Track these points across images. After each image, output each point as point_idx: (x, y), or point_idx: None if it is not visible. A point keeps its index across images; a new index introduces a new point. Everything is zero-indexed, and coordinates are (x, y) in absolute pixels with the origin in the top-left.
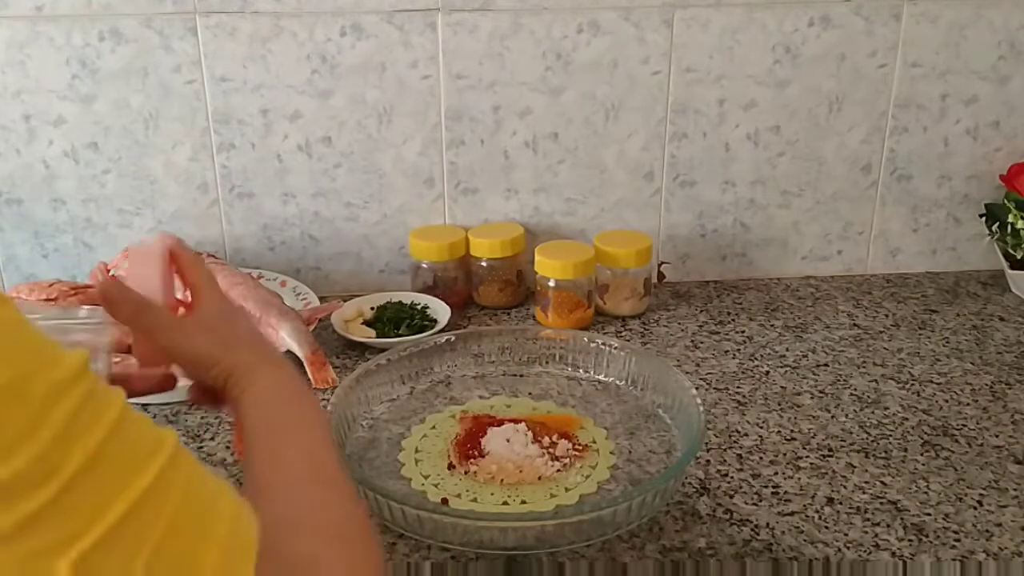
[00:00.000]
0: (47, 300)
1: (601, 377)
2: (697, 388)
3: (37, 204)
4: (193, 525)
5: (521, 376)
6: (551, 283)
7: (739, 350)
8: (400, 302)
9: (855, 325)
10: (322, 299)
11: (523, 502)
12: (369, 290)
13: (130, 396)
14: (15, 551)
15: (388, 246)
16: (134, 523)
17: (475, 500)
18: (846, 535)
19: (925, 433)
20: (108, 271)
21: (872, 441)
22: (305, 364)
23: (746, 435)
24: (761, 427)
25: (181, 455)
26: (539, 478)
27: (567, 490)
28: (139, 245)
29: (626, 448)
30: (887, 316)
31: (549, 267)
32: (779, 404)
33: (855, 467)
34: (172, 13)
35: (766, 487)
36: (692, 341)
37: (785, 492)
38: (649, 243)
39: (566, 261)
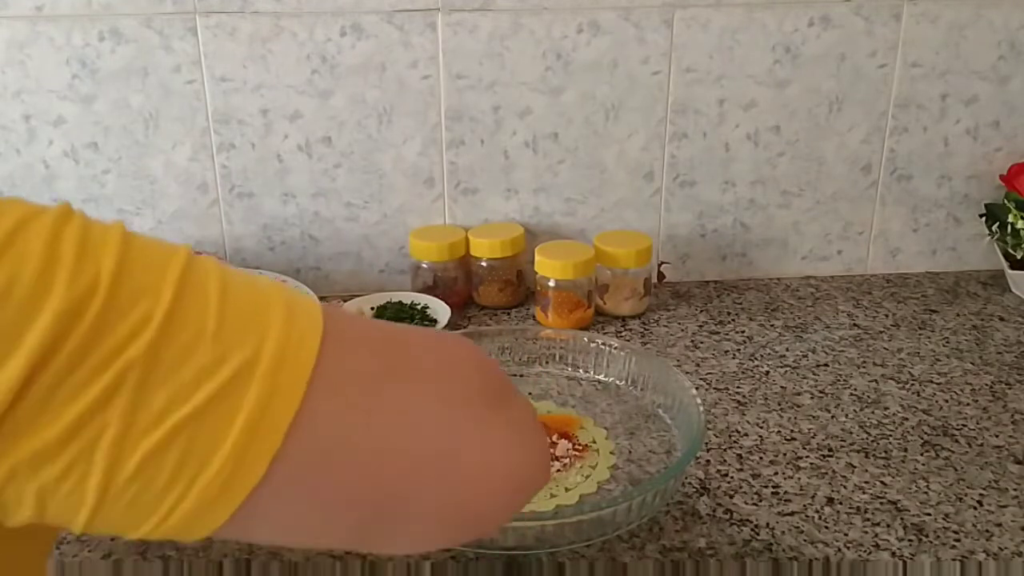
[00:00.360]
0: None
1: (601, 377)
2: (697, 388)
3: None
4: (247, 288)
5: (521, 376)
6: (551, 283)
7: (739, 350)
8: (400, 302)
9: (855, 325)
10: (322, 299)
11: None
12: (369, 290)
13: None
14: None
15: (388, 246)
16: (187, 300)
17: None
18: (846, 535)
19: (925, 433)
20: None
21: (872, 441)
22: None
23: (746, 435)
24: (761, 427)
25: (198, 256)
26: None
27: (567, 490)
28: None
29: (626, 448)
30: (887, 316)
31: (549, 267)
32: (779, 404)
33: (855, 467)
34: (172, 13)
35: (766, 487)
36: (692, 341)
37: (785, 492)
38: (649, 243)
39: (566, 261)
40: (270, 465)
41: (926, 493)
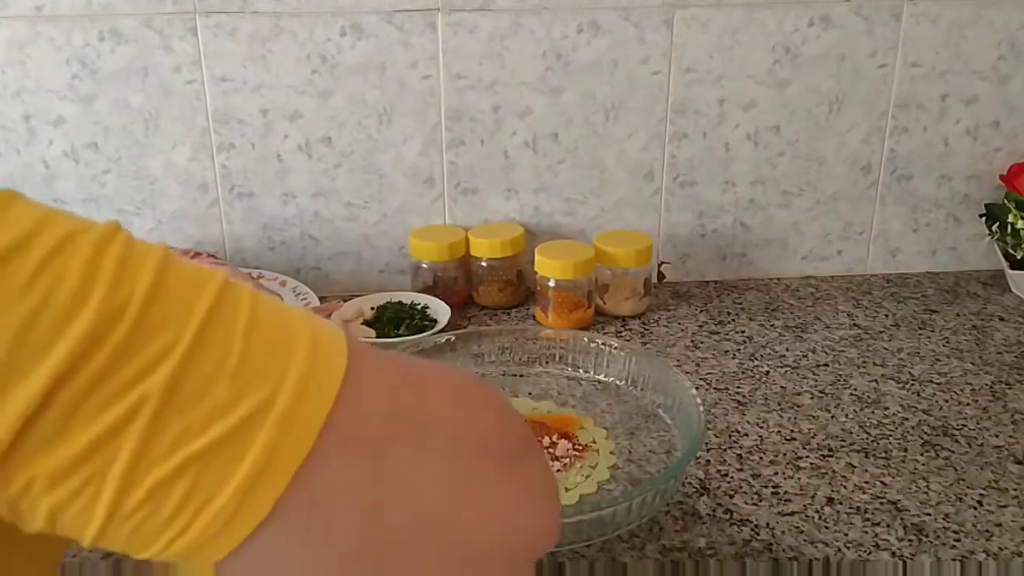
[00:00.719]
0: None
1: (601, 377)
2: (697, 388)
3: None
4: (274, 324)
5: (521, 376)
6: (551, 283)
7: (739, 350)
8: (400, 302)
9: (855, 325)
10: (322, 299)
11: None
12: (369, 290)
13: None
14: (107, 378)
15: (388, 246)
16: (213, 333)
17: None
18: (846, 535)
19: (925, 433)
20: None
21: (872, 441)
22: None
23: (746, 435)
24: (761, 427)
25: (233, 283)
26: None
27: (567, 490)
28: None
29: (626, 448)
30: (887, 316)
31: (549, 267)
32: (779, 404)
33: (855, 467)
34: (172, 13)
35: (766, 487)
36: (692, 341)
37: (785, 492)
38: (649, 243)
39: (566, 261)
40: (273, 508)
41: (926, 493)
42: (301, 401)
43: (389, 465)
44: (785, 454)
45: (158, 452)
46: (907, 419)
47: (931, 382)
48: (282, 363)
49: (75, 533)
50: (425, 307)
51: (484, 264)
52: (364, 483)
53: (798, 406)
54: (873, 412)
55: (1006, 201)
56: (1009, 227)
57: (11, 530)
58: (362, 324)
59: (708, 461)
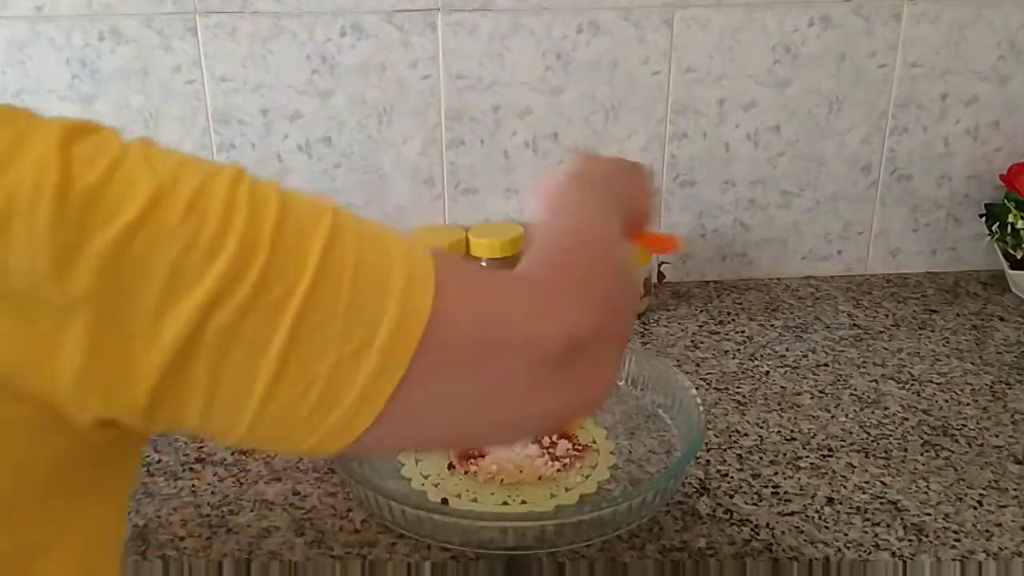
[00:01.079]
0: None
1: None
2: (697, 388)
3: None
4: (375, 265)
5: None
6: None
7: (739, 350)
8: None
9: (855, 325)
10: None
11: (523, 502)
12: None
13: None
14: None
15: None
16: (327, 275)
17: (475, 500)
18: (846, 535)
19: (925, 433)
20: None
21: (872, 441)
22: None
23: (746, 435)
24: (761, 427)
25: (339, 220)
26: (539, 478)
27: (567, 490)
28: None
29: (626, 448)
30: (887, 316)
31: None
32: (779, 404)
33: (855, 467)
34: (172, 13)
35: (766, 487)
36: (692, 341)
37: (785, 492)
38: None
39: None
40: (377, 416)
41: (926, 493)
42: (397, 333)
43: (468, 374)
44: (785, 454)
45: (293, 372)
46: (907, 419)
47: (931, 382)
48: (382, 302)
49: (220, 432)
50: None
51: (484, 264)
52: (449, 387)
53: (798, 406)
54: (873, 412)
55: (1006, 201)
56: (1009, 227)
57: (90, 471)
58: None
59: (708, 461)
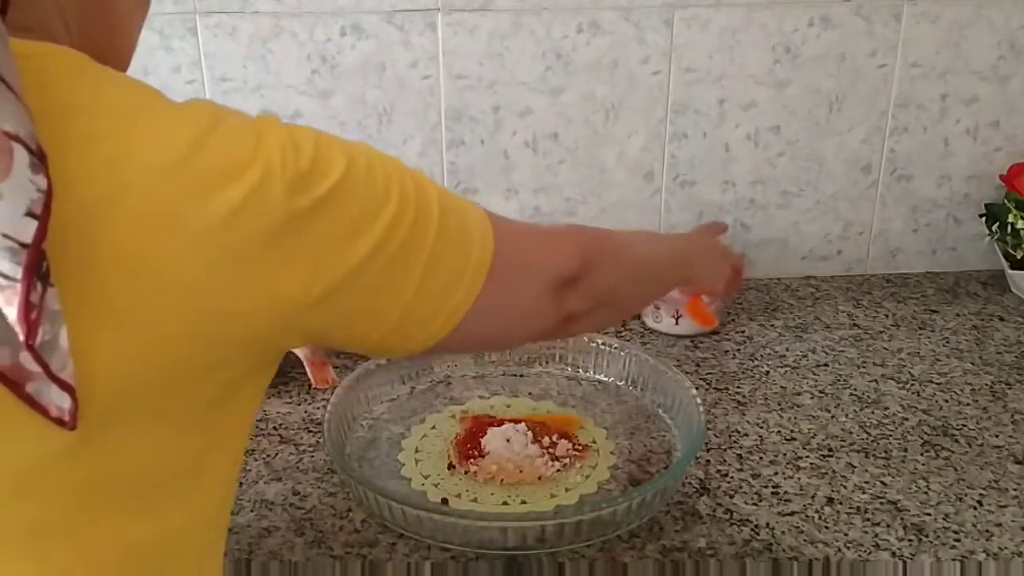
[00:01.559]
0: None
1: (601, 377)
2: (697, 388)
3: None
4: (457, 217)
5: (521, 376)
6: None
7: (739, 350)
8: None
9: (855, 325)
10: None
11: (523, 502)
12: None
13: None
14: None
15: None
16: (447, 213)
17: (475, 500)
18: (846, 535)
19: (925, 433)
20: None
21: (872, 441)
22: (305, 364)
23: (746, 435)
24: (761, 427)
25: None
26: (539, 478)
27: (567, 490)
28: None
29: (626, 448)
30: (887, 316)
31: None
32: (779, 404)
33: (855, 467)
34: (172, 13)
35: (766, 487)
36: (692, 341)
37: (785, 492)
38: None
39: None
40: (464, 314)
41: (926, 493)
42: (477, 270)
43: (509, 288)
44: (785, 454)
45: (424, 292)
46: (907, 419)
47: (931, 382)
48: (469, 241)
49: (366, 328)
50: None
51: None
52: (497, 297)
53: (798, 406)
54: (873, 412)
55: (1006, 201)
56: (1009, 227)
57: (221, 431)
58: None
59: (708, 461)
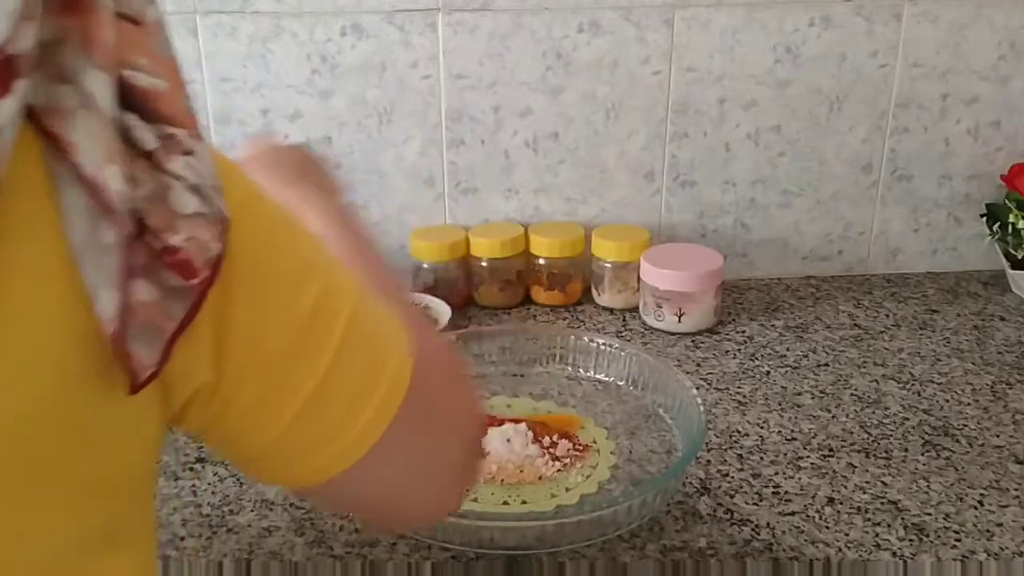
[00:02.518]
0: None
1: (601, 377)
2: (697, 388)
3: None
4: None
5: (521, 376)
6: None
7: (739, 350)
8: None
9: (855, 325)
10: None
11: (523, 502)
12: None
13: None
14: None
15: (388, 246)
16: (349, 353)
17: (475, 500)
18: (847, 535)
19: (926, 433)
20: None
21: (873, 441)
22: None
23: (746, 435)
24: (761, 427)
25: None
26: (539, 478)
27: (567, 490)
28: None
29: (626, 448)
30: (887, 316)
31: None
32: (779, 404)
33: (856, 467)
34: (172, 13)
35: (766, 487)
36: (692, 341)
37: (785, 492)
38: (647, 236)
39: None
40: (367, 452)
41: (927, 493)
42: (385, 400)
43: (417, 438)
44: (786, 454)
45: (321, 401)
46: (908, 419)
47: (932, 382)
48: (377, 376)
49: (256, 433)
50: (426, 307)
51: (484, 264)
52: (408, 438)
53: (799, 406)
54: (874, 412)
55: (1007, 201)
56: (1010, 227)
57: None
58: None
59: (708, 461)
